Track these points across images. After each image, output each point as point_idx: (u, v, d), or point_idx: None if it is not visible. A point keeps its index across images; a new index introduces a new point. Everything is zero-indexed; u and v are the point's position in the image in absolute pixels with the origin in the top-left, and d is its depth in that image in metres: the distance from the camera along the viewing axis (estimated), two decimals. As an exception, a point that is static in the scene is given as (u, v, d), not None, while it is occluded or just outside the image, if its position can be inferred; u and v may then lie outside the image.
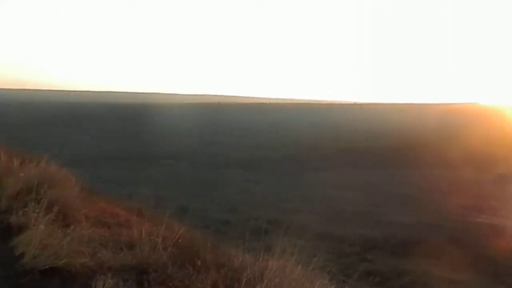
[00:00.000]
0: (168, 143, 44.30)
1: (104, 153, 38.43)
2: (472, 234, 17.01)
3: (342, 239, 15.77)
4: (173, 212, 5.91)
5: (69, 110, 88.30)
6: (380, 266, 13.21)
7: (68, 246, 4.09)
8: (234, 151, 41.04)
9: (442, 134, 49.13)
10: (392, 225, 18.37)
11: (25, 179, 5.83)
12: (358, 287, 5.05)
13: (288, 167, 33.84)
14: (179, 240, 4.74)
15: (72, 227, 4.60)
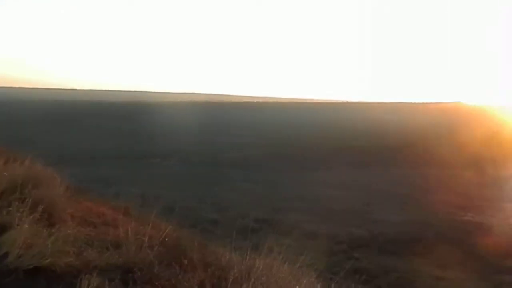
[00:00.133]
0: (162, 142, 44.20)
1: (98, 152, 38.35)
2: (460, 232, 17.17)
3: (330, 237, 15.83)
4: (160, 211, 5.89)
5: (65, 108, 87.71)
6: (367, 264, 13.29)
7: (53, 246, 4.05)
8: (227, 150, 41.02)
9: (432, 133, 49.49)
10: (380, 224, 18.49)
11: (9, 178, 5.75)
12: (345, 285, 5.06)
13: (281, 166, 33.90)
14: (166, 239, 4.72)
15: (57, 226, 4.56)
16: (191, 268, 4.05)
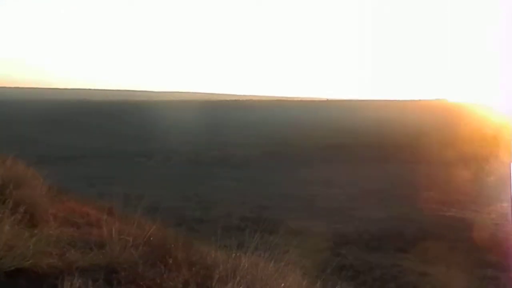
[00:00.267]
0: (152, 141, 44.08)
1: (87, 151, 38.15)
2: (443, 228, 17.36)
3: (316, 235, 15.88)
4: (146, 210, 5.83)
5: (64, 108, 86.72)
6: (352, 261, 13.36)
7: (34, 247, 3.99)
8: (214, 148, 40.93)
9: (417, 131, 49.91)
10: (366, 220, 18.61)
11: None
12: (331, 282, 5.07)
13: (268, 164, 33.94)
14: (151, 239, 4.68)
15: (39, 227, 4.50)
16: (176, 267, 4.02)
